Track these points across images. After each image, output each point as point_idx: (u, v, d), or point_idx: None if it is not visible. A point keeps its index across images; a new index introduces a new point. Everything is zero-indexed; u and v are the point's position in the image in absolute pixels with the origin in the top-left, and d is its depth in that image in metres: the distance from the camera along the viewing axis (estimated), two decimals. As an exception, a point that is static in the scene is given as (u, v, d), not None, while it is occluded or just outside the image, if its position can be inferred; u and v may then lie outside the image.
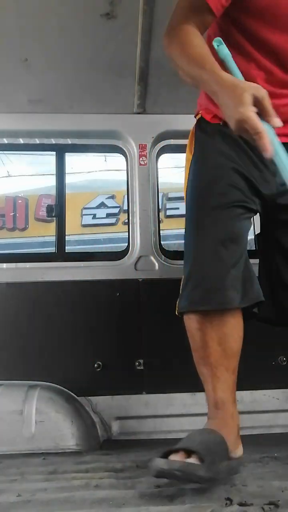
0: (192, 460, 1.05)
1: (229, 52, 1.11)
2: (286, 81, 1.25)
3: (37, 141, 2.96)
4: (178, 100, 2.27)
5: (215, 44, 1.11)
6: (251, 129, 0.97)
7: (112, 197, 8.54)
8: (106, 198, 8.55)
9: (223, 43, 1.11)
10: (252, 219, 1.40)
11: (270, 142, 0.93)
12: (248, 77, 1.17)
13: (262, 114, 0.97)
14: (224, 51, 1.10)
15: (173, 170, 4.33)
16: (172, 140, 2.53)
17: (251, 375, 2.18)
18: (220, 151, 1.32)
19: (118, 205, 8.45)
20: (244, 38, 1.27)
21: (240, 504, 1.00)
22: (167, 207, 7.76)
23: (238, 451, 1.28)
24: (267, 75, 1.25)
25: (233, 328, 1.27)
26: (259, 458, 1.51)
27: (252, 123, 0.97)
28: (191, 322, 1.29)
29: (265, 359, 2.20)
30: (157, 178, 2.49)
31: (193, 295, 1.26)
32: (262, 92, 0.99)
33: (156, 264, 2.34)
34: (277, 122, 0.94)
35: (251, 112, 0.97)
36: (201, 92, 1.44)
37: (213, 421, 1.26)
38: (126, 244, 2.42)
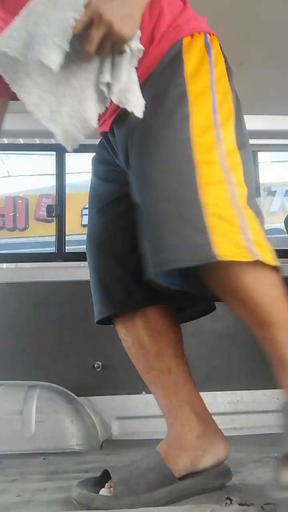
0: (105, 490, 1.06)
1: None
2: None
3: (37, 141, 2.96)
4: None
5: None
6: None
7: (112, 197, 8.52)
8: (106, 198, 8.53)
9: None
10: None
11: None
12: None
13: None
14: None
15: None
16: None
17: (251, 375, 2.19)
18: (97, 157, 1.40)
19: (118, 205, 8.43)
20: None
21: (240, 504, 1.00)
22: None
23: (202, 462, 1.13)
24: None
25: (147, 328, 1.23)
26: (259, 458, 1.51)
27: None
28: (118, 332, 1.30)
29: (265, 359, 2.19)
30: (157, 178, 2.49)
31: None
32: None
33: (156, 264, 2.33)
34: None
35: None
36: None
37: (167, 434, 1.20)
38: (126, 244, 2.41)
